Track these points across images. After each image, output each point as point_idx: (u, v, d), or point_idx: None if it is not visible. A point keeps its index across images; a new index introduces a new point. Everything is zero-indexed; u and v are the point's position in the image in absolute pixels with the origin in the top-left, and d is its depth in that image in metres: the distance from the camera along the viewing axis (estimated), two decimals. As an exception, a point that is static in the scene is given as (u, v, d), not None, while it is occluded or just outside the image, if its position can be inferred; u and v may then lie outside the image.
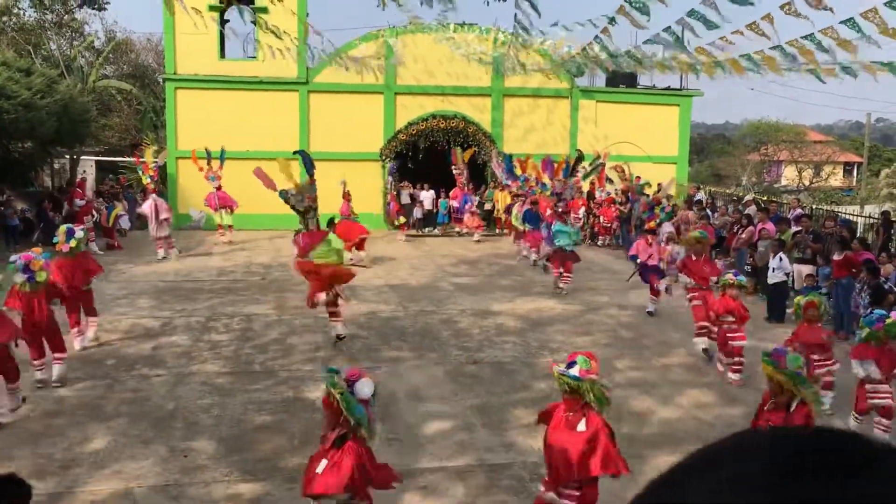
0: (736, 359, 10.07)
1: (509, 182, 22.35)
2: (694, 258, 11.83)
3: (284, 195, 11.89)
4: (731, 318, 10.16)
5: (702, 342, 11.11)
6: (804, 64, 10.87)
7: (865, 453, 0.63)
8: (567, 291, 15.03)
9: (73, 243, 10.44)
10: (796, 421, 5.96)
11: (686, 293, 11.93)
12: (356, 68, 20.19)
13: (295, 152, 13.17)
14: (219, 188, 20.90)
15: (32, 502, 6.52)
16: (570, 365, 5.59)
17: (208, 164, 20.75)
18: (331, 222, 14.51)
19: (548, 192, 20.56)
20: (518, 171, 21.98)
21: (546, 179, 21.36)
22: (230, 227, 21.24)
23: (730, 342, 10.13)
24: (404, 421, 8.51)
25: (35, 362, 9.33)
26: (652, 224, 14.96)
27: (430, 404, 9.00)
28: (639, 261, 13.67)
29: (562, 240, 15.03)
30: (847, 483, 0.60)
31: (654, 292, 13.53)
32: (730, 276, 10.40)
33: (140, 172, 19.96)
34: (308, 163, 12.20)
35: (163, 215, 18.41)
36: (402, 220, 22.42)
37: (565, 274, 15.14)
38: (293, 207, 11.89)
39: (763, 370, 6.34)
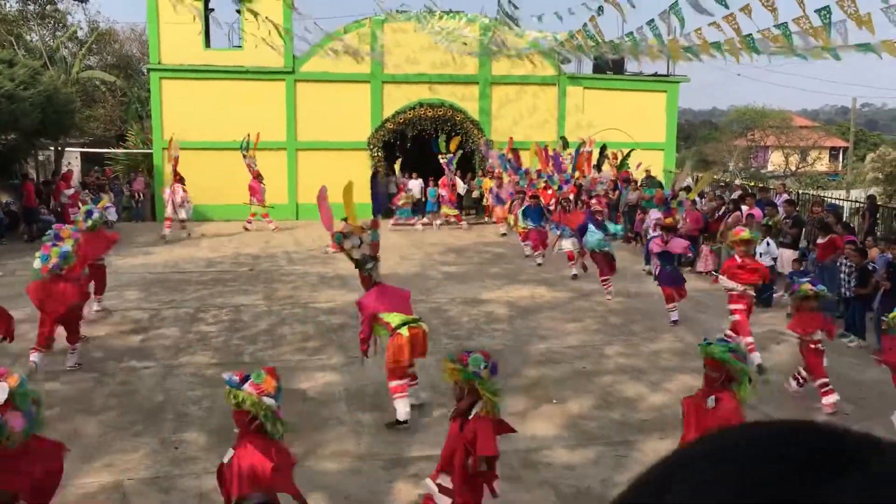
0: (821, 380, 8.86)
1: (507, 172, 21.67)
2: (739, 259, 10.46)
3: (339, 238, 9.19)
4: (818, 336, 8.87)
5: (756, 357, 9.89)
6: (780, 47, 10.86)
7: (850, 450, 0.62)
8: (611, 297, 13.65)
9: (89, 222, 11.83)
10: (478, 429, 5.43)
11: (728, 301, 10.53)
12: (344, 53, 20.01)
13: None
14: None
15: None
16: (245, 379, 5.19)
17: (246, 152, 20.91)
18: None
19: (555, 186, 20.21)
20: (513, 163, 21.57)
21: (550, 171, 20.91)
22: (254, 215, 21.37)
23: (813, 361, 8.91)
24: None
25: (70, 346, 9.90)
26: (669, 221, 12.97)
27: (420, 393, 9.01)
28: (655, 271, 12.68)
29: (590, 241, 13.78)
30: (828, 483, 0.59)
31: (671, 300, 12.28)
32: (808, 287, 8.97)
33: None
34: (377, 201, 8.83)
35: (178, 197, 19.85)
36: (453, 211, 22.24)
37: (602, 278, 13.86)
38: (347, 255, 9.26)
39: (445, 371, 5.72)
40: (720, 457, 0.64)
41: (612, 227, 14.28)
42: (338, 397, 8.97)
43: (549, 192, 19.92)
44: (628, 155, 22.82)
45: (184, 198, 19.97)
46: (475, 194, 23.89)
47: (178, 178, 20.05)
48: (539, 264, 16.71)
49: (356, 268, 8.95)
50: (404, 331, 8.07)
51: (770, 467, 0.61)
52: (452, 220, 22.74)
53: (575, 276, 15.33)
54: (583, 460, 7.33)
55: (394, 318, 8.18)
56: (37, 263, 9.45)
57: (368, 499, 6.65)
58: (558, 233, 15.67)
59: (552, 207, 18.49)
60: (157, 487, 6.74)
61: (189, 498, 6.59)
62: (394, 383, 8.08)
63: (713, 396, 5.86)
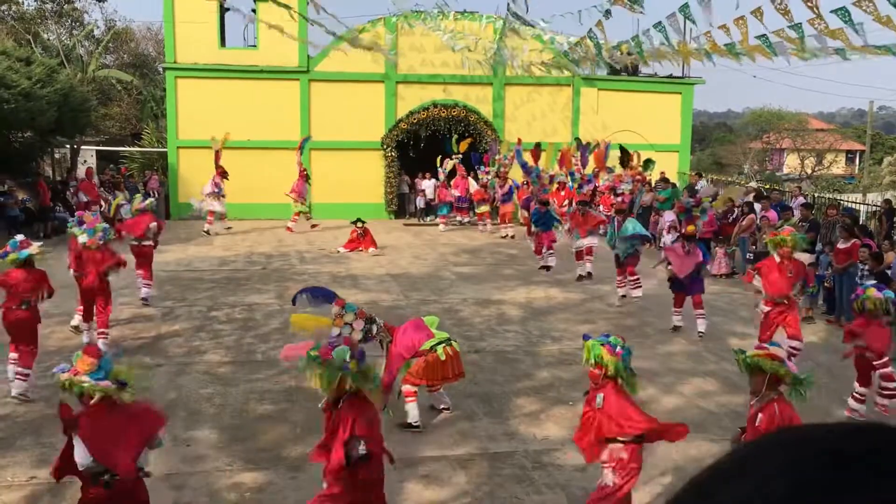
0: (885, 384, 8.55)
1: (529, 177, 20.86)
2: (779, 260, 9.71)
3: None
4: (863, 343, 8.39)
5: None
6: (792, 48, 10.76)
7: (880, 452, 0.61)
8: (640, 300, 13.42)
9: (147, 203, 13.54)
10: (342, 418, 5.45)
11: (762, 305, 9.91)
12: (362, 48, 19.92)
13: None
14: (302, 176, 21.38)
15: (35, 491, 6.56)
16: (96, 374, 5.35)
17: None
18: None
19: (574, 184, 19.69)
20: (530, 163, 21.29)
21: (574, 168, 20.47)
22: (298, 214, 21.45)
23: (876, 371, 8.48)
24: (405, 409, 8.50)
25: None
26: (691, 228, 12.47)
27: (444, 397, 9.01)
28: (670, 267, 11.85)
29: (619, 246, 13.38)
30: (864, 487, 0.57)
31: (679, 305, 11.85)
32: (873, 292, 8.40)
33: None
34: (321, 295, 8.21)
35: (208, 190, 20.74)
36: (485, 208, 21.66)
37: (630, 279, 13.51)
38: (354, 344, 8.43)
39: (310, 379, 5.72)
40: (761, 463, 0.63)
41: (633, 227, 13.55)
42: (349, 397, 8.95)
43: (563, 193, 19.82)
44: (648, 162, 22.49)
45: (212, 190, 20.64)
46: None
47: (221, 172, 20.62)
48: (547, 268, 16.25)
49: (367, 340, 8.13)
50: (440, 351, 7.95)
51: (805, 476, 0.60)
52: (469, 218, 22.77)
53: (580, 278, 15.26)
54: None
55: (427, 344, 8.06)
56: (83, 238, 10.35)
57: (379, 499, 6.63)
58: (570, 238, 15.18)
59: (563, 209, 18.38)
60: (168, 484, 6.75)
61: (200, 496, 6.60)
62: (406, 387, 8.06)
63: (601, 394, 5.80)
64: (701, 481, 0.66)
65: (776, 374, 5.59)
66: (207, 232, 20.59)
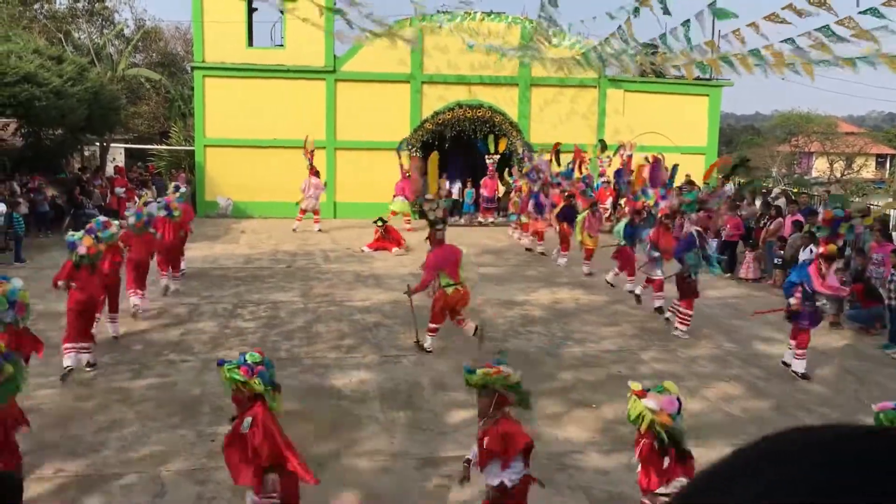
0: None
1: (560, 181, 19.56)
2: None
3: (421, 201, 11.16)
4: None
5: None
6: (819, 59, 10.61)
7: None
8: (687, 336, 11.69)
9: (179, 193, 14.84)
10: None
11: None
12: (388, 38, 19.86)
13: None
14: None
15: (62, 484, 6.66)
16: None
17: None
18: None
19: (650, 201, 17.52)
20: (576, 171, 20.61)
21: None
22: (393, 213, 21.39)
23: None
24: (429, 409, 8.52)
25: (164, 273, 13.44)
26: (832, 248, 9.94)
27: (455, 393, 8.99)
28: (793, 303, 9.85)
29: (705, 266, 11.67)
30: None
31: (803, 342, 9.94)
32: None
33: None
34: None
35: (310, 192, 20.92)
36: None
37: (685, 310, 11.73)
38: (424, 215, 11.26)
39: None
40: (780, 459, 0.63)
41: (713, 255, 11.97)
42: (372, 396, 9.00)
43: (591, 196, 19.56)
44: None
45: (315, 190, 20.90)
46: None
47: (314, 171, 20.89)
48: (634, 291, 13.82)
49: (430, 227, 11.46)
50: (449, 290, 10.51)
51: (827, 471, 0.59)
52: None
53: (639, 298, 13.47)
54: (617, 465, 7.25)
55: (444, 280, 10.58)
56: (132, 220, 11.81)
57: (400, 498, 6.65)
58: (656, 255, 12.85)
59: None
60: (192, 479, 6.82)
61: (223, 490, 6.66)
62: (432, 325, 10.60)
63: (249, 418, 5.38)
64: (709, 479, 0.65)
65: (502, 395, 5.50)
66: (320, 230, 21.02)
